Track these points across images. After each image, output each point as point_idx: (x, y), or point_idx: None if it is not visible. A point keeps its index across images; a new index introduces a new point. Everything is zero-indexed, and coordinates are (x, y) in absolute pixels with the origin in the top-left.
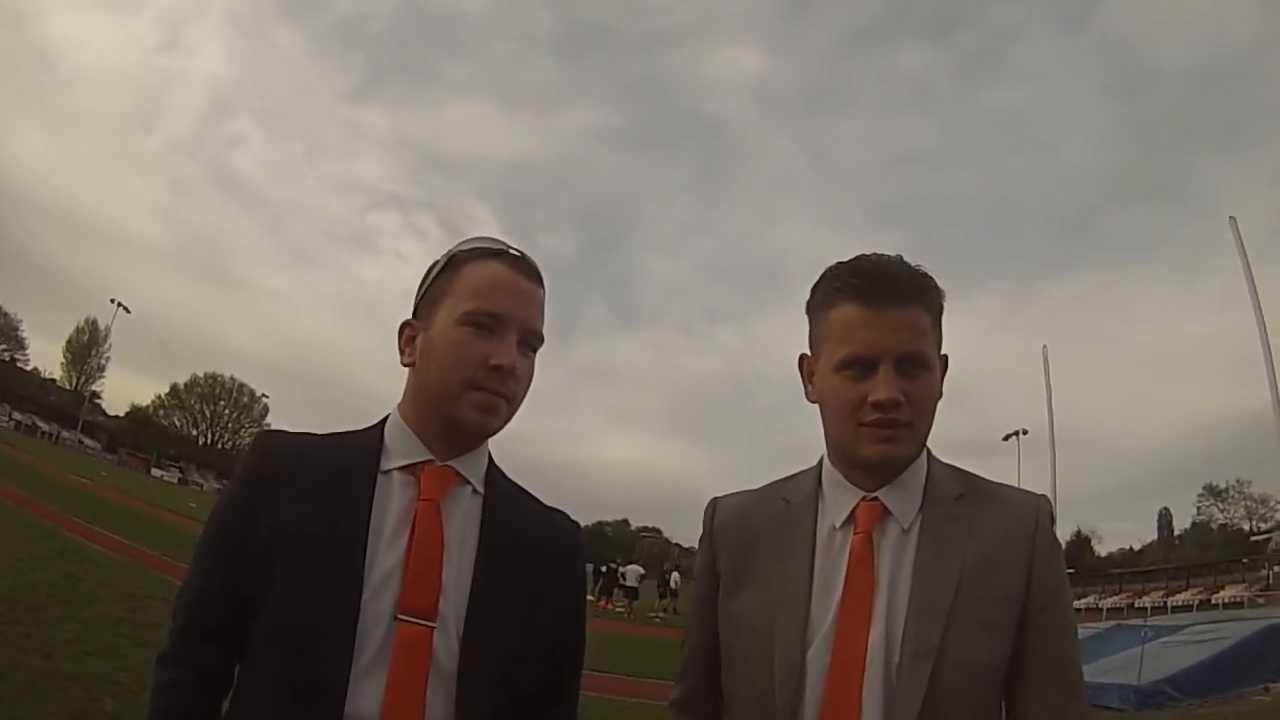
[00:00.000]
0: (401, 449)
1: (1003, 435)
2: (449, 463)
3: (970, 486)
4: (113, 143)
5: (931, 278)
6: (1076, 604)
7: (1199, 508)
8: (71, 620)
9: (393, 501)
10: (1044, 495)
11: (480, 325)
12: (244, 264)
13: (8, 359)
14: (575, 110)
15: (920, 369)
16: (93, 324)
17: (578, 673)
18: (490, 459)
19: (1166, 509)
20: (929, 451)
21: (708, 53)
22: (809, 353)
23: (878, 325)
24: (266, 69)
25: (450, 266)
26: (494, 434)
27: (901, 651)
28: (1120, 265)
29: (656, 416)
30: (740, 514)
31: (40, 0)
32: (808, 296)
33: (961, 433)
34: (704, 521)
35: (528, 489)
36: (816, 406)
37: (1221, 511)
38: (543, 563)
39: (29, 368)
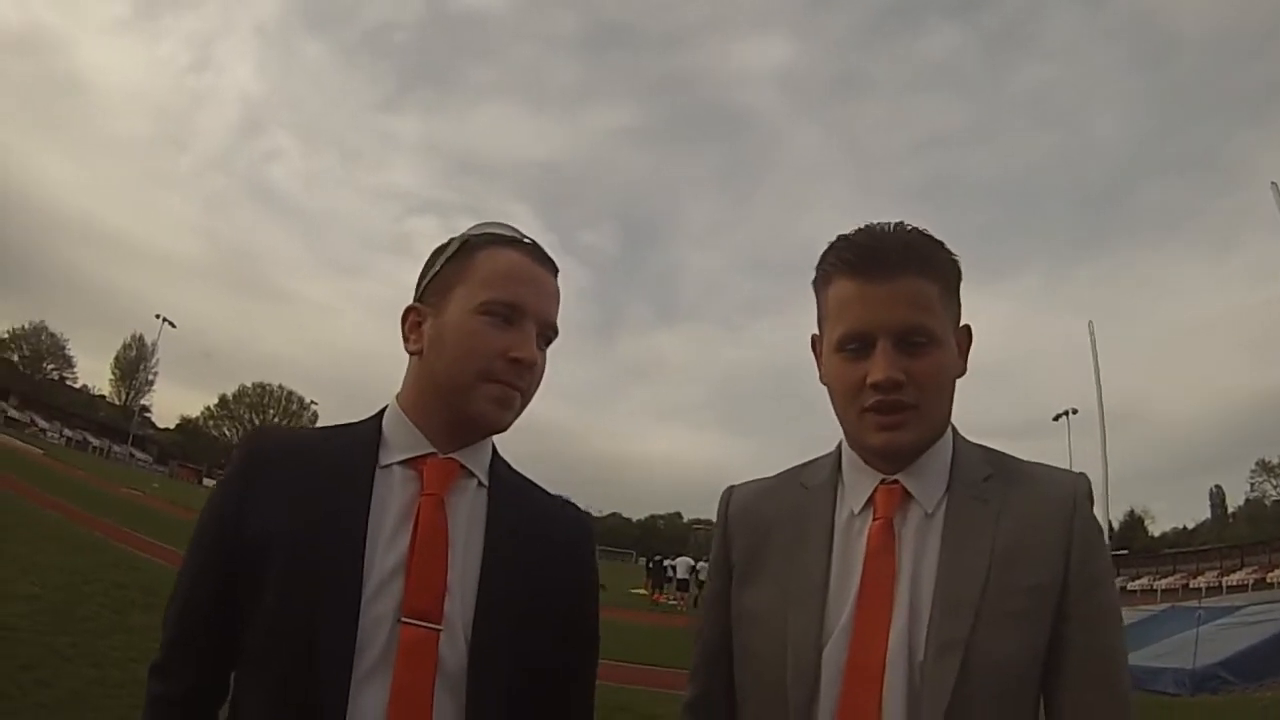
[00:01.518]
0: (402, 442)
1: (1053, 415)
2: (452, 455)
3: (1000, 466)
4: (148, 164)
5: (937, 243)
6: (1130, 586)
7: (1252, 484)
8: (120, 630)
9: (393, 497)
10: (1082, 474)
11: (499, 315)
12: (285, 275)
13: (57, 378)
14: (604, 107)
15: (924, 344)
16: (139, 340)
17: (592, 670)
18: (494, 450)
19: (1219, 486)
20: (955, 430)
21: (732, 44)
22: (818, 332)
23: (872, 300)
24: (296, 82)
25: (464, 251)
26: (505, 429)
27: (926, 647)
28: (1159, 238)
29: (702, 409)
30: (755, 502)
31: (71, 31)
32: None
33: (1010, 414)
34: (718, 511)
35: (535, 480)
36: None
37: (1275, 487)
38: (551, 556)
39: (78, 385)
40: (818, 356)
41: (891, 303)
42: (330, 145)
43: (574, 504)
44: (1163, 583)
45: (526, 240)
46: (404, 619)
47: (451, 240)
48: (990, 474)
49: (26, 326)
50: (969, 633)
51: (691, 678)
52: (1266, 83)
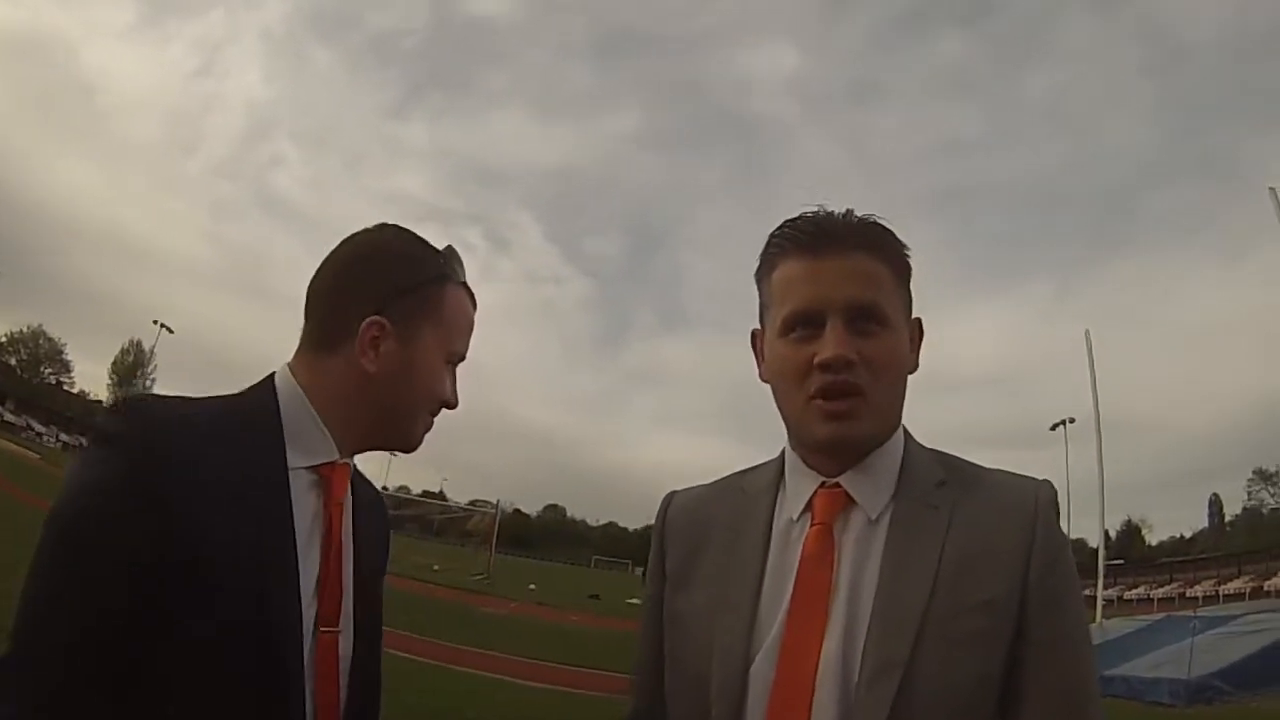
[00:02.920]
0: (309, 445)
1: (1050, 424)
2: (347, 461)
3: (956, 472)
4: (154, 168)
5: (888, 229)
6: (1127, 595)
7: (1249, 493)
8: None
9: (303, 504)
10: (1046, 480)
11: (454, 363)
12: (289, 281)
13: (54, 382)
14: (614, 115)
15: (876, 325)
16: (137, 345)
17: (379, 628)
18: None
19: (1216, 495)
20: (907, 432)
21: (744, 52)
22: (760, 327)
23: (821, 275)
24: (304, 88)
25: (436, 282)
26: None
27: (862, 667)
28: (1165, 246)
29: (706, 417)
30: (694, 506)
31: (79, 34)
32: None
33: (1009, 422)
34: (657, 516)
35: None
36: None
37: (1272, 496)
38: (376, 543)
39: (75, 390)
40: (758, 354)
41: (843, 279)
42: (337, 151)
43: (370, 483)
44: (1159, 592)
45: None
46: (322, 628)
47: (425, 258)
48: (944, 479)
49: (25, 330)
50: (909, 653)
51: (631, 692)
52: (1277, 89)
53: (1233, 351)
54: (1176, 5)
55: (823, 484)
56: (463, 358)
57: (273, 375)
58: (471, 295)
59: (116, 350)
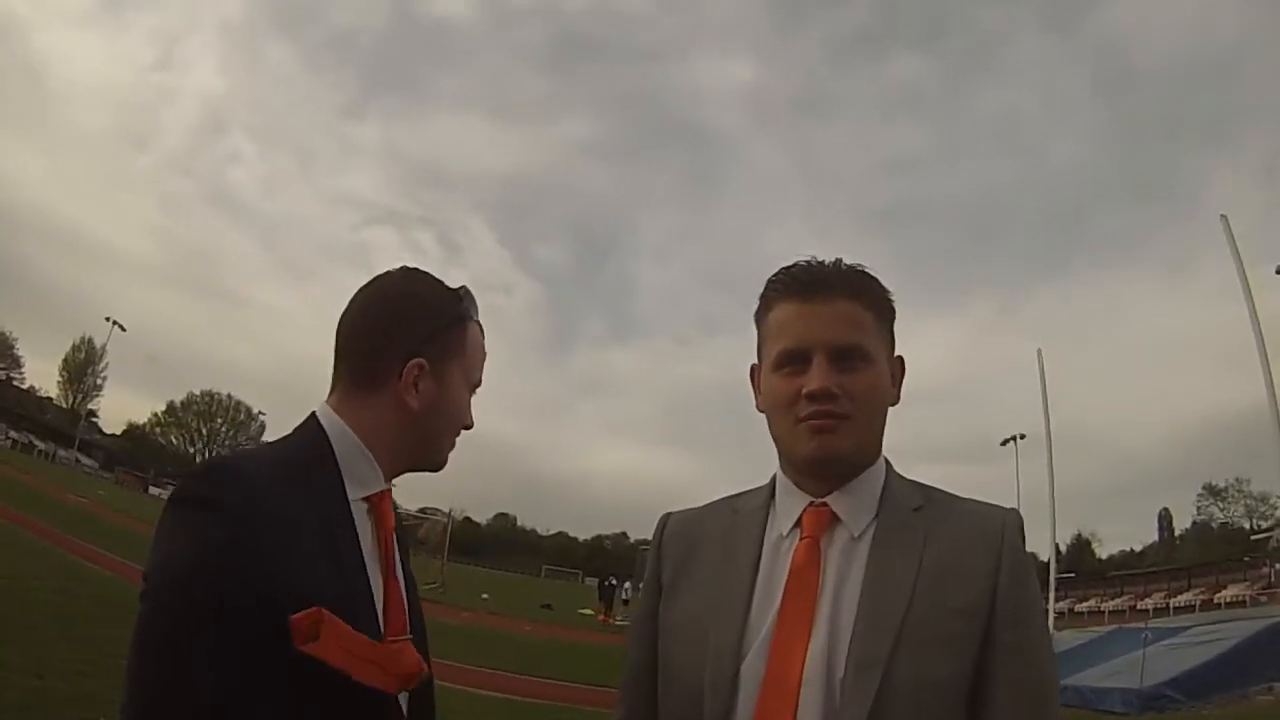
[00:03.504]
0: (362, 477)
1: (1000, 440)
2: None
3: (931, 499)
4: (106, 160)
5: (874, 278)
6: (1078, 608)
7: (1199, 507)
8: (65, 639)
9: (364, 533)
10: (1014, 509)
11: (472, 391)
12: (239, 280)
13: (4, 378)
14: (568, 121)
15: (858, 362)
16: (89, 342)
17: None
18: None
19: (1166, 509)
20: (888, 462)
21: (698, 63)
22: (757, 362)
23: (809, 318)
24: (260, 84)
25: (460, 323)
26: None
27: (846, 665)
28: (1112, 265)
29: (654, 426)
30: (689, 523)
31: (31, 17)
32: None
33: (960, 438)
34: (654, 535)
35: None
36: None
37: (1221, 510)
38: (405, 558)
39: (25, 386)
40: (755, 386)
41: (828, 321)
42: (291, 149)
43: None
44: (1110, 604)
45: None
46: (390, 639)
47: (450, 301)
48: (921, 505)
49: None
50: (890, 651)
51: (619, 699)
52: (1220, 113)
53: (1181, 369)
54: (1128, 29)
55: (811, 503)
56: (480, 384)
57: (315, 416)
58: (481, 329)
59: (68, 347)
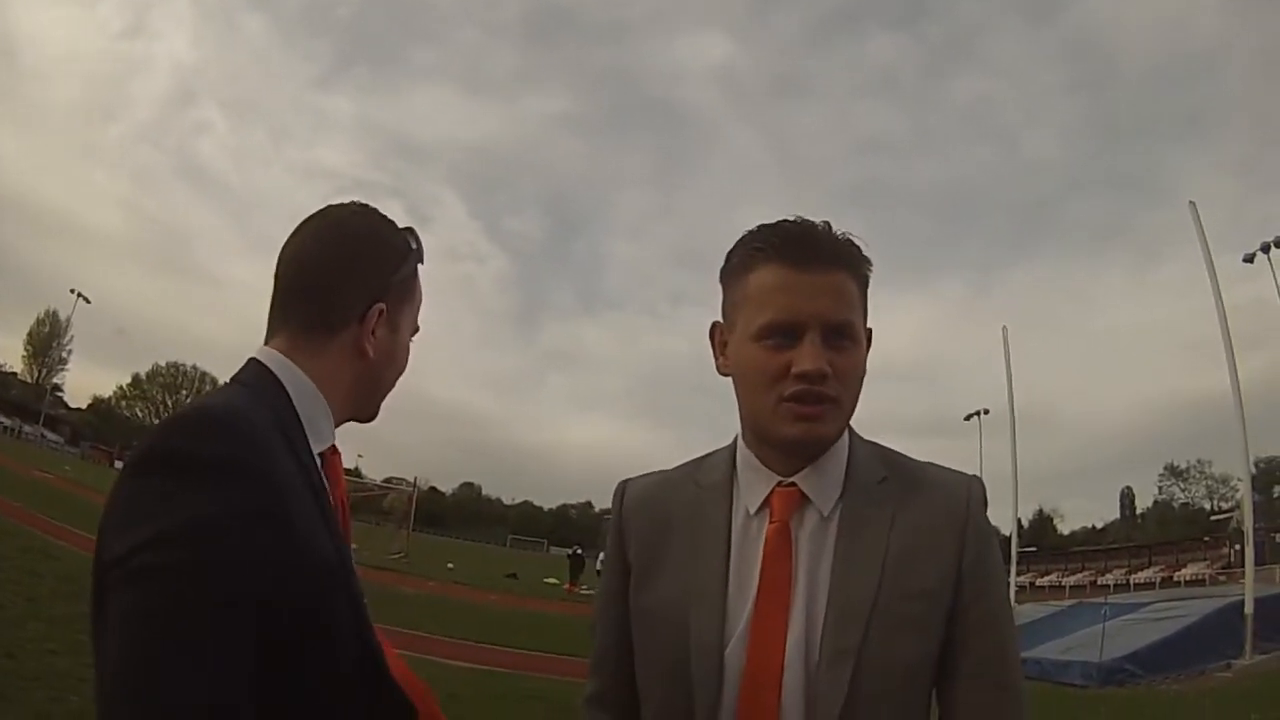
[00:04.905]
0: (320, 430)
1: (964, 415)
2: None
3: (895, 468)
4: (74, 132)
5: (859, 245)
6: (1039, 582)
7: (1160, 487)
8: (34, 619)
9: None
10: (976, 477)
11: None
12: (208, 253)
13: None
14: (541, 95)
15: (848, 341)
16: (53, 316)
17: None
18: None
19: (1129, 488)
20: (851, 430)
21: (674, 40)
22: (721, 320)
23: (803, 289)
24: (232, 55)
25: (416, 265)
26: None
27: (821, 652)
28: (1082, 251)
29: (621, 399)
30: (651, 497)
31: None
32: (723, 262)
33: (925, 413)
34: (613, 505)
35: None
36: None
37: (1183, 491)
38: None
39: None
40: (716, 346)
41: (822, 294)
42: (262, 121)
43: None
44: (1071, 579)
45: None
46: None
47: (407, 244)
48: (885, 476)
49: None
50: (861, 639)
51: (591, 672)
52: (1193, 108)
53: (1145, 353)
54: (1105, 23)
55: (779, 483)
56: (419, 331)
57: (259, 362)
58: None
59: (31, 321)
